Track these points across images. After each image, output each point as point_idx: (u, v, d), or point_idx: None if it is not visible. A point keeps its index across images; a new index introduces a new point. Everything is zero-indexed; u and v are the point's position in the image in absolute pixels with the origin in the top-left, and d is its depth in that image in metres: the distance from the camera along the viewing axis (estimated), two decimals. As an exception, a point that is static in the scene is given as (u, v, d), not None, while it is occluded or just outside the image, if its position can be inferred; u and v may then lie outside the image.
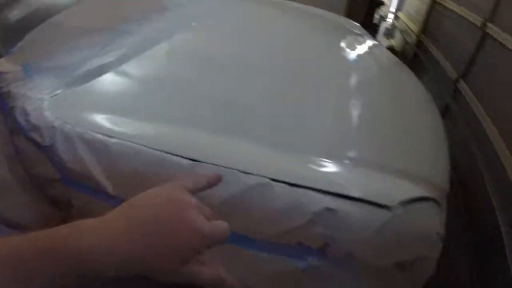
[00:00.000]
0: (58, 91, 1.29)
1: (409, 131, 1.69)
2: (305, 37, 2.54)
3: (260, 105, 1.56)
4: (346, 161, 1.35)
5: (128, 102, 1.40)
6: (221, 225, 0.58)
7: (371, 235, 1.11)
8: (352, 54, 2.51)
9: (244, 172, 1.11)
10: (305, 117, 1.55)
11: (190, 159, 1.12)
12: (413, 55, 4.71)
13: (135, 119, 1.27)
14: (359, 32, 3.11)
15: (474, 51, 3.14)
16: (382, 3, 6.60)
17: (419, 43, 4.63)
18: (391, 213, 1.12)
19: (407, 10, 5.56)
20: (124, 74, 1.53)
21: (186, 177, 0.69)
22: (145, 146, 1.13)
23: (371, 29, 6.00)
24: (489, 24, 2.95)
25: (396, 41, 5.83)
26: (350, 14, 5.06)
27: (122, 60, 1.57)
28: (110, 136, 1.14)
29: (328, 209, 1.10)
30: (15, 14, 1.69)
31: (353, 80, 2.07)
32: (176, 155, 1.13)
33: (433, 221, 1.21)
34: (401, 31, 5.57)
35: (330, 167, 1.29)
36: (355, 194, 1.14)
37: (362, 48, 2.67)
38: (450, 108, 3.32)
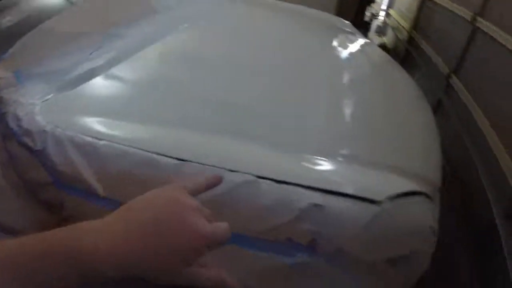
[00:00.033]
0: (49, 96, 1.31)
1: (400, 128, 1.71)
2: (296, 36, 2.57)
3: (251, 104, 1.58)
4: (337, 158, 1.36)
5: (118, 104, 1.43)
6: (222, 226, 0.58)
7: (360, 231, 1.12)
8: (343, 52, 2.54)
9: (230, 170, 1.13)
10: (296, 115, 1.57)
11: (177, 159, 1.14)
12: (405, 52, 4.73)
13: (124, 121, 1.30)
14: (350, 31, 3.13)
15: (465, 46, 3.16)
16: (373, 1, 6.62)
17: (411, 40, 4.65)
18: (380, 208, 1.14)
19: (398, 7, 5.58)
20: (114, 77, 1.55)
21: (186, 179, 0.70)
22: (133, 147, 1.16)
23: (363, 27, 6.03)
24: (479, 19, 2.97)
25: (388, 39, 5.86)
26: (340, 12, 5.08)
27: (111, 63, 1.60)
28: (99, 139, 1.16)
29: (316, 205, 1.11)
30: (6, 20, 1.70)
31: (344, 77, 2.10)
32: (163, 155, 1.15)
33: (425, 215, 1.22)
34: (393, 28, 5.59)
35: (319, 163, 1.31)
36: (343, 189, 1.15)
37: (353, 46, 2.69)
38: (442, 103, 3.34)
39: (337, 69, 2.19)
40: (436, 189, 1.43)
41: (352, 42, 2.77)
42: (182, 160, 1.14)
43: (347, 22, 3.39)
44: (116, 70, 1.57)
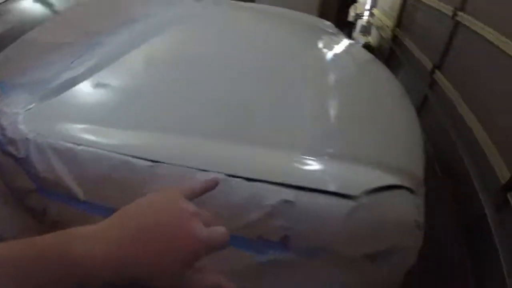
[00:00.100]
0: (32, 105, 1.36)
1: (382, 124, 1.73)
2: (279, 38, 2.60)
3: (230, 104, 1.62)
4: (318, 155, 1.38)
5: (98, 110, 1.47)
6: (219, 231, 0.57)
7: (336, 226, 1.14)
8: (326, 53, 2.59)
9: (200, 170, 1.17)
10: (278, 115, 1.60)
11: (150, 161, 1.18)
12: (390, 50, 4.77)
13: (103, 126, 1.34)
14: (332, 31, 3.16)
15: (448, 41, 3.20)
16: (355, 1, 6.67)
17: (395, 38, 4.70)
18: (356, 202, 1.15)
19: (382, 6, 5.63)
20: (94, 84, 1.59)
21: (183, 184, 0.69)
22: (108, 150, 1.20)
23: (347, 27, 6.07)
24: (460, 13, 3.01)
25: (372, 38, 5.91)
26: (323, 13, 5.12)
27: (92, 71, 1.65)
28: (78, 144, 1.21)
29: (286, 202, 1.14)
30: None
31: (328, 77, 2.13)
32: (138, 157, 1.19)
33: (407, 209, 1.24)
34: (377, 28, 5.65)
35: (297, 161, 1.33)
36: (316, 185, 1.17)
37: (336, 47, 2.74)
38: (428, 99, 3.37)
39: (320, 69, 2.22)
40: (420, 183, 1.44)
41: (334, 42, 2.81)
42: (155, 161, 1.18)
43: (328, 23, 3.42)
44: (96, 78, 1.62)
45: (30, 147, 1.19)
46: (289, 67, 2.09)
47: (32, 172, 1.18)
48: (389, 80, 2.38)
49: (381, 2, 5.76)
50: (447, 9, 3.25)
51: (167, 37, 2.20)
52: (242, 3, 3.49)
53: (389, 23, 4.96)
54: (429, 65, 3.46)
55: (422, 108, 3.45)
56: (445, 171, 2.77)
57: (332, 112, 1.75)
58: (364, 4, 6.42)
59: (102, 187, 1.17)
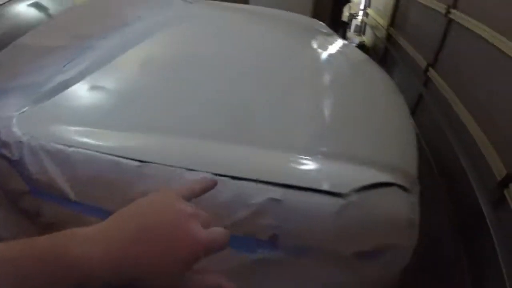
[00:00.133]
0: (25, 108, 1.38)
1: (375, 123, 1.74)
2: (273, 39, 2.61)
3: (222, 104, 1.63)
4: (310, 153, 1.38)
5: (89, 112, 1.50)
6: (218, 232, 0.57)
7: (325, 224, 1.15)
8: (320, 53, 2.60)
9: (187, 169, 1.18)
10: (269, 113, 1.62)
11: (138, 161, 1.20)
12: (384, 50, 4.78)
13: (95, 127, 1.36)
14: (325, 31, 3.16)
15: (441, 38, 3.21)
16: (349, 1, 6.68)
17: (389, 37, 4.71)
18: (345, 200, 1.15)
19: (376, 6, 5.64)
20: (86, 87, 1.62)
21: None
22: (98, 152, 1.22)
23: (341, 27, 6.08)
24: (453, 10, 3.02)
25: (367, 38, 5.93)
26: (316, 14, 5.12)
27: (83, 74, 1.67)
28: (69, 145, 1.23)
29: (274, 200, 1.14)
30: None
31: (322, 77, 2.15)
32: (126, 157, 1.21)
33: (400, 207, 1.23)
34: (371, 27, 5.66)
35: (285, 159, 1.33)
36: (302, 183, 1.17)
37: (330, 47, 2.76)
38: (423, 97, 3.37)
39: (313, 69, 2.23)
40: (414, 182, 1.44)
41: (328, 43, 2.83)
42: (143, 162, 1.20)
43: (322, 23, 3.43)
44: (88, 81, 1.65)
45: (23, 150, 1.21)
46: (282, 67, 2.10)
47: (26, 174, 1.20)
48: (383, 80, 2.39)
49: (375, 2, 5.78)
50: (440, 7, 3.26)
51: (158, 39, 2.22)
52: (235, 4, 3.49)
53: (383, 22, 4.97)
54: (423, 63, 3.47)
55: (417, 106, 3.45)
56: (441, 169, 2.77)
57: (326, 111, 1.77)
58: (358, 4, 6.44)
59: (92, 188, 1.20)
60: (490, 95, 2.38)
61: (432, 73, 3.28)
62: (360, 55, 2.81)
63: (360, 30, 6.29)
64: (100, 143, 1.26)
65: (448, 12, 3.09)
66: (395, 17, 4.66)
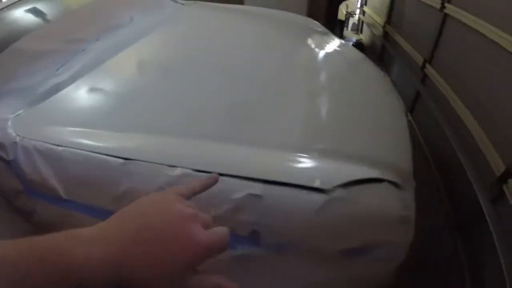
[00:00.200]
0: (20, 111, 1.45)
1: (369, 121, 1.74)
2: (269, 39, 2.63)
3: (211, 102, 1.66)
4: (301, 150, 1.38)
5: (82, 113, 1.54)
6: (219, 232, 0.57)
7: (308, 220, 1.14)
8: (316, 52, 2.62)
9: (168, 165, 1.21)
10: (262, 111, 1.63)
11: (122, 158, 1.23)
12: (381, 47, 4.78)
13: (86, 128, 1.41)
14: (320, 30, 3.16)
15: (437, 34, 3.21)
16: (344, -1, 6.70)
17: (386, 35, 4.72)
18: (328, 196, 1.14)
19: (372, 3, 5.65)
20: (77, 89, 1.67)
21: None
22: (86, 150, 1.26)
23: (338, 26, 6.08)
24: (448, 5, 3.01)
25: (364, 36, 5.94)
26: (311, 13, 5.12)
27: (75, 77, 1.73)
28: (60, 145, 1.28)
29: (254, 196, 1.14)
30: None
31: (318, 75, 2.15)
32: (111, 155, 1.25)
33: (390, 203, 1.21)
34: (368, 25, 5.66)
35: (273, 156, 1.33)
36: (283, 179, 1.17)
37: (325, 46, 2.77)
38: (420, 94, 3.36)
39: (310, 68, 2.24)
40: (408, 178, 1.43)
41: (324, 42, 2.85)
42: (127, 159, 1.23)
43: (317, 22, 3.42)
44: (80, 83, 1.70)
45: (17, 150, 1.27)
46: (275, 67, 2.12)
47: (20, 174, 1.26)
48: (378, 78, 2.41)
49: (371, 0, 5.78)
50: (435, 2, 3.26)
51: (150, 41, 2.25)
52: (230, 5, 3.50)
53: (380, 20, 4.98)
54: (420, 59, 3.46)
55: (415, 103, 3.45)
56: (439, 165, 2.76)
57: (320, 109, 1.77)
58: (355, 2, 6.45)
59: (82, 186, 1.23)
60: (488, 90, 2.37)
61: (429, 69, 3.28)
62: (355, 53, 2.82)
63: (357, 28, 6.31)
64: (90, 143, 1.31)
65: (443, 7, 3.09)
66: (392, 15, 4.68)
